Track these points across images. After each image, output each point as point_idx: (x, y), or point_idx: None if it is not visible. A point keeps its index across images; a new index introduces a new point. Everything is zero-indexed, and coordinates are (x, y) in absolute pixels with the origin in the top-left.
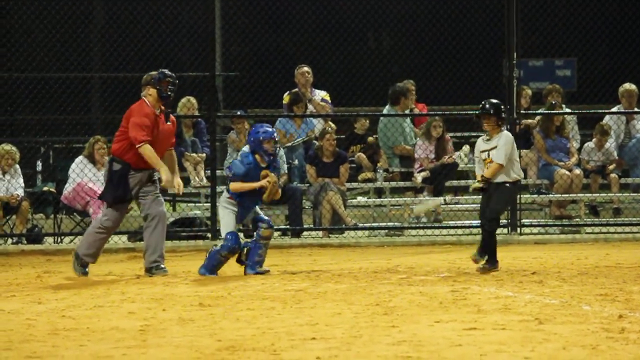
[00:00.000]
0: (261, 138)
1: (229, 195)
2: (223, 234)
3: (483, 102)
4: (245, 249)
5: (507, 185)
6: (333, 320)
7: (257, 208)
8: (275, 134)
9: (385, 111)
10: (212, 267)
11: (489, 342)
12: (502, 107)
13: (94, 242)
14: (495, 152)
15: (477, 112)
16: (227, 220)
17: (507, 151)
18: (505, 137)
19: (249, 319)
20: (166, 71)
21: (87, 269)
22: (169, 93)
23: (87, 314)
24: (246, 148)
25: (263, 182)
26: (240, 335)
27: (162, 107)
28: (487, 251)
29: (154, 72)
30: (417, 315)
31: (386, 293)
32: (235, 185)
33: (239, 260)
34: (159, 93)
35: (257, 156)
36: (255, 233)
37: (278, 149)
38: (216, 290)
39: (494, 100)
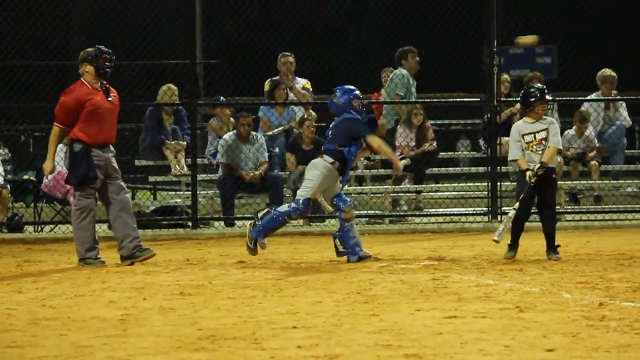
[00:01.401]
0: (351, 97)
1: (332, 163)
2: (304, 194)
3: (535, 88)
4: (337, 240)
5: (554, 174)
6: (314, 309)
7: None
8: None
9: (396, 72)
10: (269, 229)
11: (469, 330)
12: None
13: (83, 234)
14: (553, 137)
15: (531, 99)
16: (315, 183)
17: (559, 134)
18: (554, 120)
19: (229, 307)
20: (103, 47)
21: (100, 258)
22: (107, 69)
23: (67, 303)
24: (346, 115)
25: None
26: (221, 324)
27: (103, 83)
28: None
29: (90, 49)
30: (397, 304)
31: (367, 281)
32: (375, 140)
33: (338, 254)
34: (96, 70)
35: None
36: (338, 218)
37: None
38: (197, 279)
39: (538, 85)
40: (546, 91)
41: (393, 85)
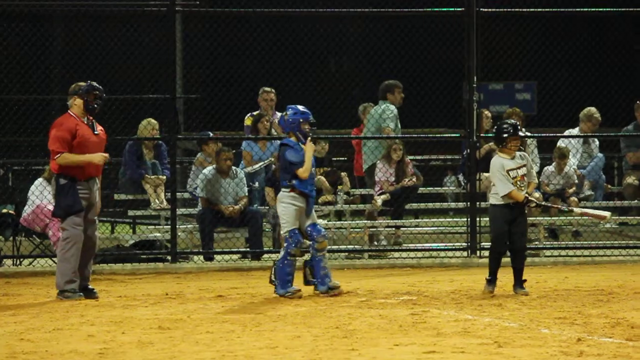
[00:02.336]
0: (301, 120)
1: (292, 189)
2: (285, 231)
3: (508, 124)
4: (307, 269)
5: (526, 210)
6: (293, 344)
7: (314, 214)
8: (311, 116)
9: (378, 106)
10: (286, 278)
11: None
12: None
13: (65, 266)
14: (530, 172)
15: (504, 135)
16: (288, 216)
17: None
18: (527, 156)
19: (208, 342)
20: (94, 84)
21: (78, 291)
22: (95, 106)
23: (46, 337)
24: (285, 140)
25: (311, 147)
26: (199, 358)
27: (89, 117)
28: (519, 275)
29: (82, 83)
30: (376, 339)
31: (346, 316)
32: (305, 172)
33: (306, 282)
34: (84, 104)
35: (293, 138)
36: (310, 248)
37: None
38: (176, 313)
39: (511, 121)
40: (519, 127)
41: (383, 119)
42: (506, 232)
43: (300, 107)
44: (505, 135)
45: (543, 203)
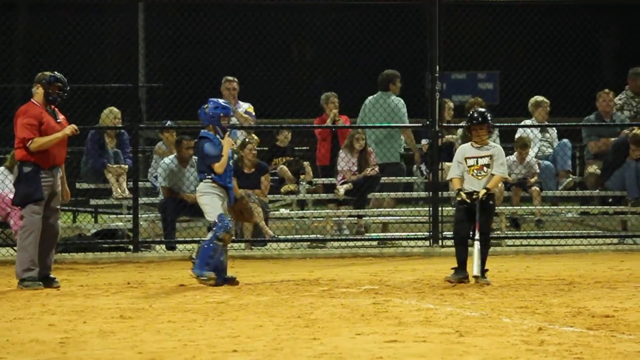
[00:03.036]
0: (221, 114)
1: (212, 180)
2: (212, 218)
3: (472, 112)
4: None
5: (493, 200)
6: (254, 333)
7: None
8: (232, 112)
9: (375, 96)
10: (207, 260)
11: (409, 355)
12: (488, 114)
13: (22, 255)
14: (499, 166)
15: (467, 124)
16: (214, 203)
17: (505, 163)
18: (500, 149)
19: (170, 331)
20: (58, 75)
21: (37, 280)
22: (56, 97)
23: (6, 326)
24: (203, 132)
25: (229, 142)
26: (161, 347)
27: (52, 107)
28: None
29: (48, 72)
30: (338, 328)
31: (308, 305)
32: (220, 166)
33: (191, 258)
34: (45, 95)
35: (212, 131)
36: (212, 233)
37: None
38: (137, 302)
39: (481, 109)
40: (486, 116)
41: (401, 114)
42: (465, 220)
43: (222, 101)
44: (468, 124)
45: (467, 200)
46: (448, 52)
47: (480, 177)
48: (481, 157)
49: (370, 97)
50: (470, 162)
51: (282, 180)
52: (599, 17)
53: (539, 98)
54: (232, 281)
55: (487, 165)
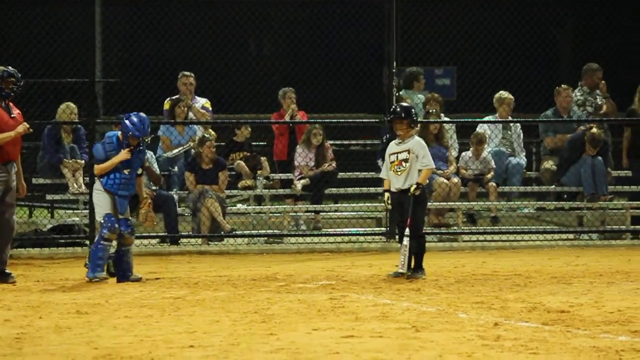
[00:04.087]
0: (130, 134)
1: (101, 183)
2: (99, 218)
3: (394, 107)
4: (110, 261)
5: (420, 194)
6: (211, 328)
7: (128, 209)
8: (147, 137)
9: (401, 94)
10: (97, 262)
11: (366, 350)
12: (413, 109)
13: None
14: (422, 159)
15: (389, 117)
16: (102, 203)
17: (429, 154)
18: (421, 142)
19: (126, 326)
20: (11, 70)
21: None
22: (10, 92)
23: None
24: (111, 133)
25: (123, 155)
26: (117, 343)
27: (6, 101)
28: (418, 260)
29: (1, 67)
30: (295, 323)
31: (265, 301)
32: (97, 169)
33: (109, 274)
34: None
35: (120, 138)
36: (98, 234)
37: (144, 144)
38: (93, 297)
39: (405, 104)
40: (408, 110)
41: (419, 111)
42: (397, 217)
43: (141, 123)
44: (389, 117)
45: (389, 206)
46: (405, 48)
47: (399, 173)
48: (400, 152)
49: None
50: (392, 158)
51: (240, 175)
52: (555, 13)
53: (504, 94)
54: (139, 281)
55: (406, 160)
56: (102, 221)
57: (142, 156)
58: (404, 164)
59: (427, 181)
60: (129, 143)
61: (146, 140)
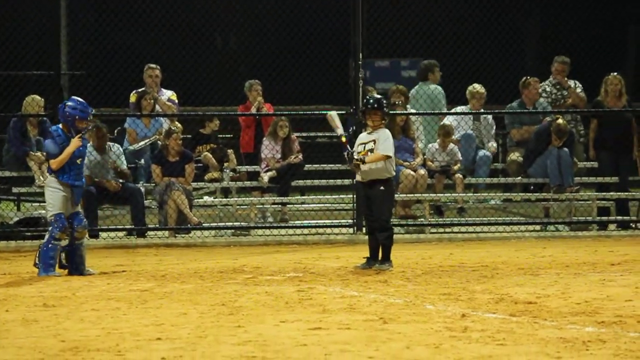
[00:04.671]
0: (77, 117)
1: (55, 177)
2: (49, 216)
3: (367, 98)
4: (63, 254)
5: (386, 185)
6: (179, 321)
7: (79, 205)
8: (90, 116)
9: (418, 87)
10: (49, 262)
11: (333, 342)
12: (385, 102)
13: None
14: (379, 145)
15: (362, 109)
16: (54, 201)
17: (391, 144)
18: (386, 132)
19: (93, 319)
20: None
21: None
22: None
23: None
24: (54, 127)
25: (75, 142)
26: (84, 335)
27: None
28: (385, 252)
29: None
30: (262, 315)
31: (232, 293)
32: (55, 163)
33: (61, 266)
34: None
35: (65, 129)
36: (49, 234)
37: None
38: (60, 290)
39: (377, 95)
40: (381, 102)
41: (440, 103)
42: (365, 208)
43: (81, 104)
44: (363, 109)
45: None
46: (371, 40)
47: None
48: (368, 143)
49: (412, 90)
50: (359, 148)
51: (206, 167)
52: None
53: (476, 86)
54: (92, 275)
55: (372, 150)
56: (54, 221)
57: (86, 142)
58: (370, 154)
59: (394, 173)
60: (77, 129)
61: (89, 123)
